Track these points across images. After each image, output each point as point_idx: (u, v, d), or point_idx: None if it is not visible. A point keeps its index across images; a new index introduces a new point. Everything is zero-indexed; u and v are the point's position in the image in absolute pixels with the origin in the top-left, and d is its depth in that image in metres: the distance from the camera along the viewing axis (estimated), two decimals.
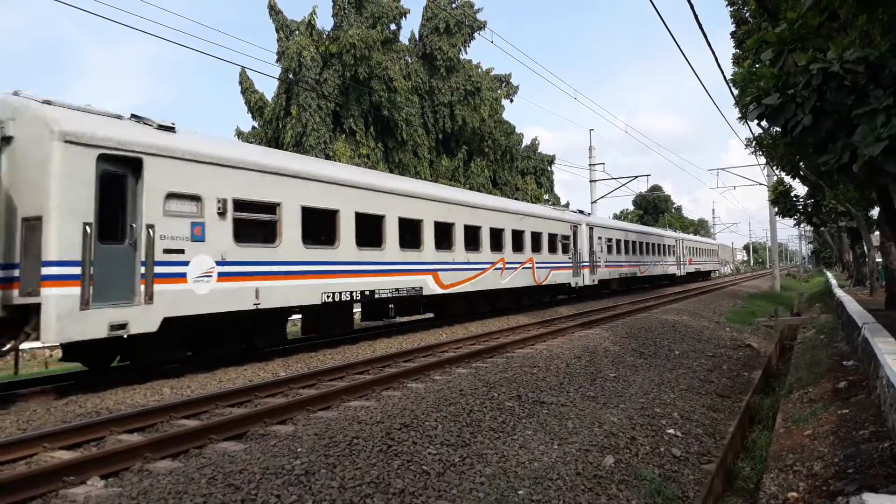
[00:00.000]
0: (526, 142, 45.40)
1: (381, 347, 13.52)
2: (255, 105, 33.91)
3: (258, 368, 11.11)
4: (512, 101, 42.46)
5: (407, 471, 5.96)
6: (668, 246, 42.76)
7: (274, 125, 32.50)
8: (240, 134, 34.47)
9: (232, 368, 11.09)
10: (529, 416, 8.01)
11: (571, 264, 25.36)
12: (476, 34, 37.52)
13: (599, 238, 28.69)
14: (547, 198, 43.07)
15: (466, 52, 38.13)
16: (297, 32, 33.04)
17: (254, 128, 34.49)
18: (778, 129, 9.62)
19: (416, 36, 37.42)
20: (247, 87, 34.10)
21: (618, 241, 31.57)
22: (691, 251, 50.36)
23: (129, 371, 10.56)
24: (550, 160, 45.82)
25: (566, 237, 25.21)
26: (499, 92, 41.02)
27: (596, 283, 28.03)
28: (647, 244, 37.24)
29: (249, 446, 6.41)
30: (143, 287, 9.44)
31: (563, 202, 46.31)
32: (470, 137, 37.42)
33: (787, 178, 25.55)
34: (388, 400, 8.34)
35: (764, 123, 10.04)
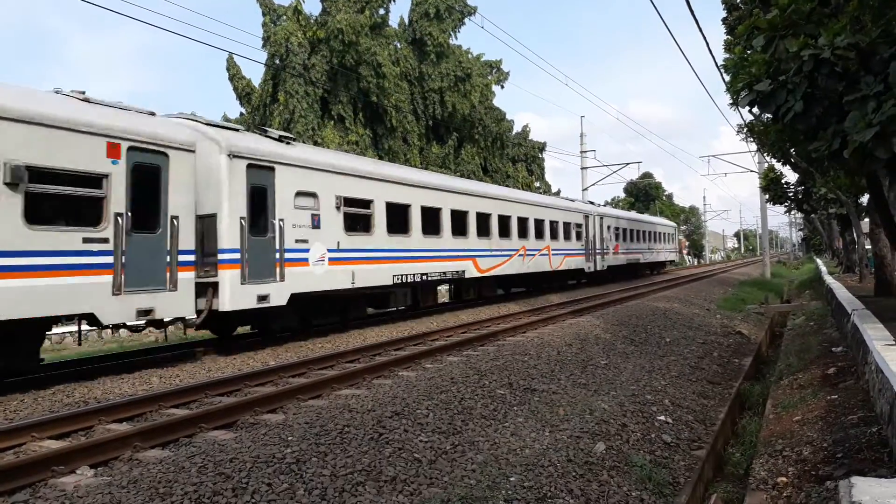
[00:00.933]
0: (517, 129, 45.25)
1: (372, 336, 13.49)
2: (243, 91, 33.57)
3: (247, 357, 11.05)
4: (503, 87, 42.33)
5: (398, 458, 5.95)
6: (566, 225, 25.93)
7: (261, 112, 32.21)
8: (227, 120, 34.18)
9: (221, 357, 11.03)
10: (521, 404, 8.02)
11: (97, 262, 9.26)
12: (466, 19, 37.26)
13: (308, 196, 12.96)
14: (538, 185, 43.00)
15: (456, 38, 37.82)
16: (284, 17, 32.68)
17: (241, 114, 34.19)
18: (769, 115, 9.61)
19: (406, 21, 37.10)
20: (234, 74, 33.74)
21: (391, 207, 15.36)
22: (620, 234, 33.47)
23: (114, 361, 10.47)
24: (541, 147, 45.70)
25: (77, 178, 9.17)
26: (489, 78, 40.78)
27: (270, 302, 11.83)
28: (500, 218, 20.49)
29: (240, 435, 6.38)
30: None
31: (553, 189, 46.31)
32: (460, 124, 37.25)
33: (778, 165, 25.61)
34: (379, 388, 8.32)
35: (755, 110, 10.02)
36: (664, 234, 44.88)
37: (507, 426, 7.24)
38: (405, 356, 10.41)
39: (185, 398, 8.03)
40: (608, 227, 31.23)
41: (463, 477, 5.85)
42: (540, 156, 45.48)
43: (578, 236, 27.26)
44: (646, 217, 43.82)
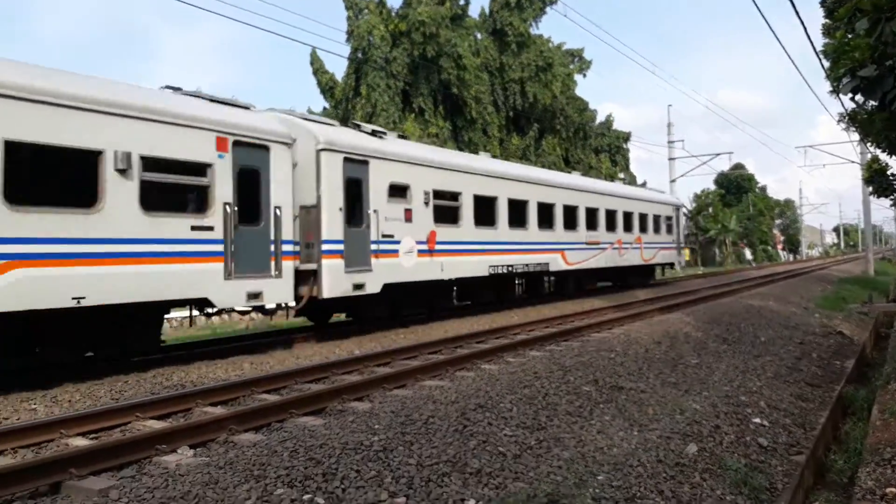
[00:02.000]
0: (600, 118, 44.30)
1: (453, 328, 13.54)
2: (326, 85, 34.29)
3: (333, 346, 11.32)
4: (585, 76, 41.49)
5: (483, 451, 5.93)
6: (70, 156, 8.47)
7: (344, 105, 32.82)
8: (311, 114, 34.98)
9: (308, 345, 11.34)
10: (607, 402, 7.84)
11: None
12: (548, 8, 36.67)
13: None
14: (622, 176, 41.90)
15: (538, 27, 37.29)
16: (366, 11, 33.12)
17: (325, 108, 34.97)
18: (874, 102, 9.00)
19: (486, 11, 36.90)
20: (318, 68, 34.50)
21: None
22: (470, 208, 15.64)
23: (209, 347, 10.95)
24: (626, 137, 44.51)
25: None
26: (571, 67, 40.06)
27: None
28: None
29: (328, 421, 6.52)
30: None
31: (639, 181, 44.99)
32: (541, 115, 36.75)
33: (884, 156, 23.88)
34: (461, 380, 8.32)
35: (858, 97, 9.41)
36: (643, 215, 24.86)
37: (593, 424, 7.09)
38: (487, 349, 10.39)
39: (276, 384, 8.30)
40: (408, 189, 13.74)
41: (549, 473, 5.76)
42: (624, 146, 44.30)
43: (193, 204, 10.17)
44: (574, 179, 22.35)
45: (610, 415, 7.44)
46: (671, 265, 29.00)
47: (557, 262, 18.93)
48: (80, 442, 6.11)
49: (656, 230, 26.14)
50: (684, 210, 30.88)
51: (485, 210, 16.26)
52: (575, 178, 22.67)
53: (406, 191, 13.66)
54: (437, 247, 14.30)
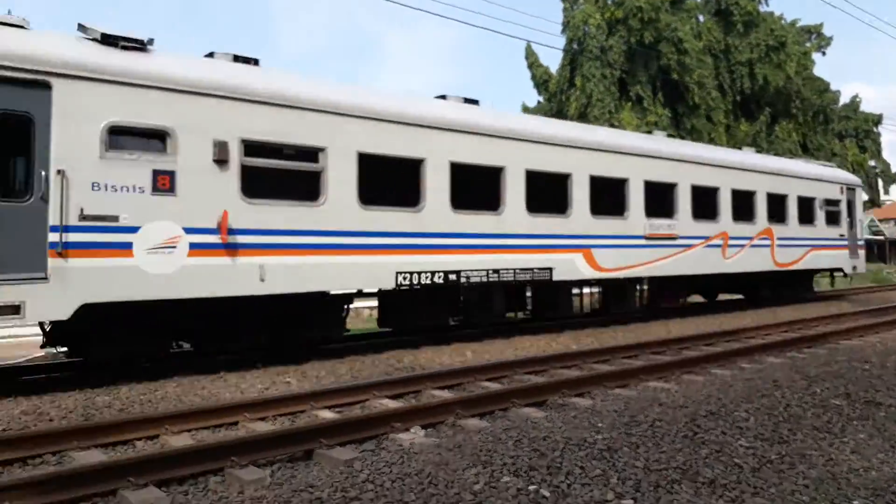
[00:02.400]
0: (844, 100, 39.30)
1: (675, 329, 12.92)
2: (541, 79, 34.46)
3: (550, 339, 11.38)
4: (824, 54, 37.14)
5: (717, 461, 5.56)
6: None
7: (558, 98, 32.70)
8: (525, 109, 35.38)
9: (527, 337, 11.52)
10: (862, 418, 6.93)
11: None
12: None
13: None
14: (873, 164, 36.72)
15: (767, 5, 34.14)
16: (581, 1, 32.66)
17: (539, 102, 35.15)
18: None
19: None
20: (533, 62, 34.78)
21: None
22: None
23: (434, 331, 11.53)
24: (876, 120, 39.01)
25: None
26: (808, 45, 36.05)
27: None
28: None
29: (550, 414, 6.55)
30: None
31: (893, 169, 39.17)
32: (773, 98, 33.50)
33: None
34: (689, 384, 7.90)
35: None
36: (777, 197, 16.77)
37: (845, 441, 6.31)
38: (717, 353, 9.74)
39: (497, 373, 8.54)
40: (167, 136, 7.95)
41: (793, 491, 5.24)
42: (875, 130, 38.88)
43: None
44: (611, 136, 14.25)
45: (866, 433, 6.57)
46: (840, 271, 19.38)
47: (575, 267, 12.06)
48: (327, 414, 6.76)
49: (804, 219, 17.49)
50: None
51: (390, 180, 10.24)
52: (614, 135, 14.66)
53: (164, 139, 7.93)
54: (248, 239, 8.47)
